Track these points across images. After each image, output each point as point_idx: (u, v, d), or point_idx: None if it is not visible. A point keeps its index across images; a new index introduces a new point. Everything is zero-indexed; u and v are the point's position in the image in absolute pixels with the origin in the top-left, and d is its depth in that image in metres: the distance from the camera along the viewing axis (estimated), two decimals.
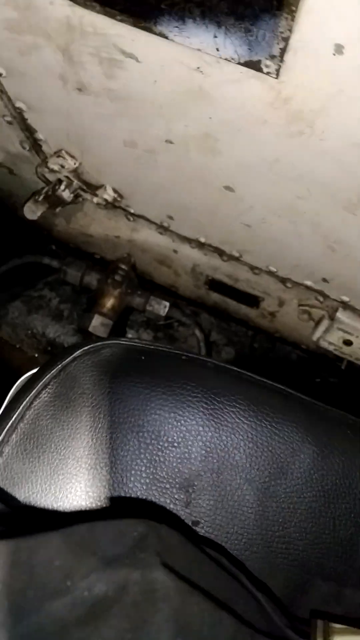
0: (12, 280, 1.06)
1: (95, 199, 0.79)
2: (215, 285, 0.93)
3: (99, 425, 0.49)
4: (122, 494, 0.48)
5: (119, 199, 0.78)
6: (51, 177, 0.79)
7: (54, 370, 0.53)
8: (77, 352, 0.54)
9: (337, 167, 0.54)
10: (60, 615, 0.31)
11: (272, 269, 0.79)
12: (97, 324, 0.92)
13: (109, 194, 0.77)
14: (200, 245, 0.82)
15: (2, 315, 1.07)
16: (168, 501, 0.48)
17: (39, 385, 0.53)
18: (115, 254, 0.97)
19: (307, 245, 0.69)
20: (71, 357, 0.54)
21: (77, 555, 0.37)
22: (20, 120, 0.70)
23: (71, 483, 0.48)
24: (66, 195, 0.79)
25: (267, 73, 0.46)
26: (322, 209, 0.61)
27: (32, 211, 0.81)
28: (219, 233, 0.76)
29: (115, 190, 0.77)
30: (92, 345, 0.54)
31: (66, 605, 0.31)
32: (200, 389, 0.51)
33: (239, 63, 0.46)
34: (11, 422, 0.52)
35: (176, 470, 0.49)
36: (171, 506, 0.48)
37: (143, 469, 0.49)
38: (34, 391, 0.53)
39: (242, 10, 0.42)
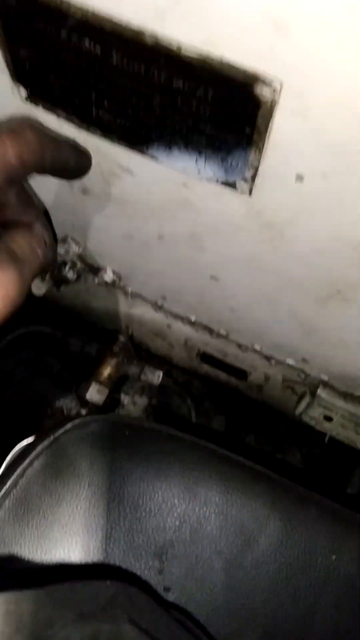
0: (18, 346, 1.13)
1: (96, 279, 0.87)
2: (206, 358, 0.99)
3: (83, 495, 0.55)
4: (102, 559, 0.53)
5: (117, 280, 0.85)
6: (58, 259, 0.87)
7: (46, 441, 0.59)
8: (68, 425, 0.60)
9: (306, 268, 0.61)
10: None
11: (257, 347, 0.85)
12: (93, 391, 0.98)
13: (108, 276, 0.85)
14: (191, 323, 0.88)
15: (9, 379, 1.14)
16: (143, 567, 0.53)
17: (32, 455, 0.59)
18: (115, 325, 1.04)
19: (286, 329, 0.76)
20: (62, 430, 0.60)
21: (57, 609, 0.42)
22: None
23: (55, 547, 0.53)
24: (70, 275, 0.86)
25: (241, 192, 0.54)
26: (296, 301, 0.68)
27: (39, 288, 0.89)
28: (207, 314, 0.83)
29: (114, 272, 0.84)
30: (81, 420, 0.60)
31: None
32: (177, 464, 0.56)
33: (217, 182, 0.55)
34: (5, 488, 0.57)
35: (152, 538, 0.54)
36: (145, 572, 0.53)
37: (122, 536, 0.54)
38: (27, 460, 0.58)
39: (218, 144, 0.50)
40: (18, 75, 0.55)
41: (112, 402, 1.10)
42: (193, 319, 0.87)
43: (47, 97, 0.56)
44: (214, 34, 0.41)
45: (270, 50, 0.40)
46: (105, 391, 0.98)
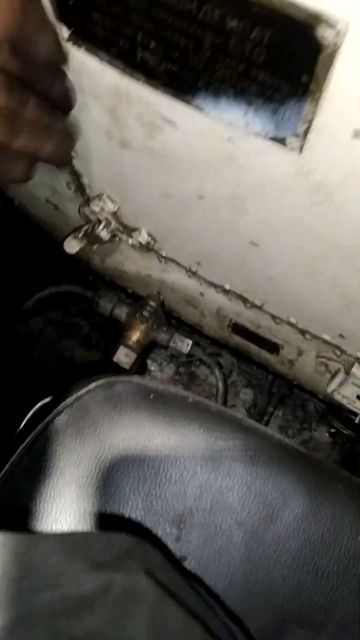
0: (48, 306, 1.12)
1: (130, 240, 0.84)
2: (238, 328, 0.96)
3: (103, 456, 0.53)
4: (118, 523, 0.52)
5: (152, 242, 0.83)
6: (92, 217, 0.84)
7: (68, 399, 0.58)
8: (92, 385, 0.58)
9: (354, 236, 0.57)
10: (50, 605, 0.35)
11: (292, 320, 0.82)
12: (121, 355, 0.96)
13: (143, 237, 0.82)
14: (225, 292, 0.86)
15: (36, 338, 1.13)
16: (160, 534, 0.52)
17: (53, 412, 0.57)
18: (146, 290, 1.02)
19: (325, 302, 0.72)
20: (85, 389, 0.58)
21: (70, 556, 0.40)
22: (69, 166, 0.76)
23: (71, 507, 0.52)
24: (104, 234, 0.84)
25: (291, 149, 0.50)
26: (340, 272, 0.64)
27: (72, 246, 0.87)
28: (243, 282, 0.80)
29: (149, 234, 0.82)
30: (105, 380, 0.58)
31: (55, 598, 0.35)
32: (202, 431, 0.54)
33: (266, 138, 0.51)
34: (24, 445, 0.56)
35: (171, 505, 0.53)
36: (162, 539, 0.51)
37: (140, 501, 0.53)
38: (48, 418, 0.57)
39: (270, 94, 0.47)
40: (61, 12, 0.52)
41: (139, 368, 1.08)
42: (227, 287, 0.84)
43: (90, 38, 0.53)
44: None
45: None
46: (133, 355, 0.97)
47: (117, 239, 0.87)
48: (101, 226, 0.84)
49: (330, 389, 0.88)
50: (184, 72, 0.50)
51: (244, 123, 0.51)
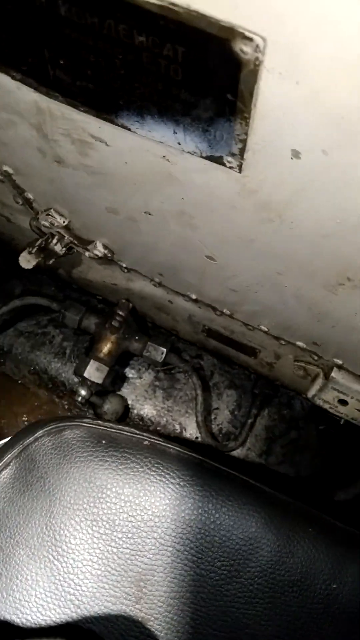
0: (17, 317, 1.07)
1: (87, 253, 0.79)
2: (212, 333, 0.92)
3: (53, 512, 0.49)
4: (72, 586, 0.48)
5: (109, 255, 0.77)
6: (45, 230, 0.79)
7: (15, 450, 0.54)
8: (39, 432, 0.54)
9: (310, 253, 0.52)
10: None
11: (264, 327, 0.77)
12: (92, 369, 0.92)
13: (99, 250, 0.77)
14: (193, 300, 0.81)
15: (7, 352, 1.09)
16: (119, 595, 0.48)
17: (0, 464, 0.53)
18: (115, 297, 0.97)
19: (294, 313, 0.67)
20: (33, 437, 0.54)
21: None
22: (10, 181, 0.70)
23: (21, 572, 0.48)
24: (58, 248, 0.79)
25: (230, 167, 0.45)
26: (302, 285, 0.59)
27: (27, 261, 0.82)
28: (208, 293, 0.75)
29: (105, 247, 0.76)
30: (54, 426, 0.54)
31: None
32: (159, 479, 0.50)
33: (201, 157, 0.45)
34: None
35: (129, 562, 0.49)
36: (122, 601, 0.47)
37: (95, 559, 0.49)
38: None
39: (196, 113, 0.41)
40: None
41: (116, 376, 1.04)
42: (194, 296, 0.79)
43: None
44: None
45: None
46: (105, 369, 0.92)
47: (74, 251, 0.82)
48: (54, 240, 0.79)
49: (310, 394, 0.83)
50: (101, 90, 0.44)
51: (175, 141, 0.45)
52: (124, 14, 0.35)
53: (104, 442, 0.53)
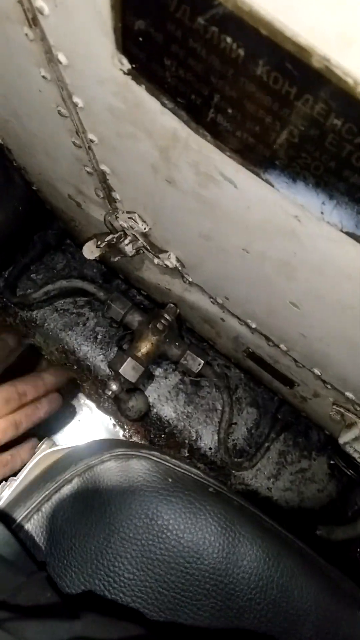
0: (57, 294, 1.06)
1: (156, 260, 0.77)
2: (254, 357, 0.91)
3: (111, 542, 0.49)
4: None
5: (180, 267, 0.76)
6: (117, 227, 0.77)
7: (79, 468, 0.53)
8: (106, 455, 0.54)
9: None
10: None
11: (317, 372, 0.77)
12: (128, 367, 0.91)
13: (171, 262, 0.75)
14: (250, 328, 0.80)
15: (39, 325, 1.07)
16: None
17: (62, 480, 0.53)
18: (162, 298, 0.96)
19: (357, 370, 0.67)
20: (99, 459, 0.53)
21: None
22: (101, 177, 0.68)
23: (70, 590, 0.48)
24: (129, 249, 0.77)
25: None
26: None
27: (91, 252, 0.80)
28: (272, 328, 0.75)
29: (178, 260, 0.75)
30: (121, 452, 0.53)
31: None
32: (220, 529, 0.50)
33: (341, 231, 0.44)
34: (27, 510, 0.52)
35: (174, 610, 0.49)
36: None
37: (145, 598, 0.49)
38: (55, 484, 0.53)
39: (359, 195, 0.40)
40: (125, 44, 0.44)
41: (147, 375, 1.03)
42: (254, 325, 0.78)
43: (155, 80, 0.44)
44: None
45: None
46: (141, 369, 0.92)
47: (144, 254, 0.80)
48: (127, 240, 0.77)
49: (342, 440, 0.84)
50: (261, 146, 0.42)
51: (319, 210, 0.44)
52: (332, 96, 0.34)
53: (170, 480, 0.52)
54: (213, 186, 0.52)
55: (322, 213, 0.44)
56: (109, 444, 0.54)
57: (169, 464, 0.53)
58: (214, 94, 0.41)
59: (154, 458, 0.53)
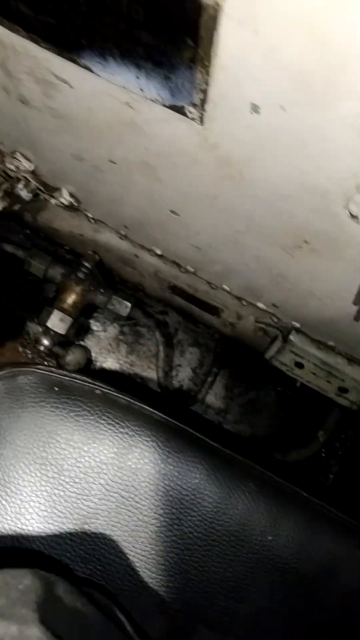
0: None
1: (53, 200, 0.78)
2: (177, 290, 0.92)
3: (3, 454, 0.50)
4: (19, 526, 0.49)
5: (76, 203, 0.76)
6: (12, 174, 0.77)
7: None
8: None
9: (269, 213, 0.52)
10: None
11: (226, 287, 0.78)
12: (55, 320, 0.92)
13: (65, 198, 0.76)
14: (158, 256, 0.80)
15: None
16: (64, 535, 0.49)
17: None
18: (83, 248, 0.96)
19: (254, 273, 0.68)
20: None
21: None
22: None
23: None
24: (24, 194, 0.77)
25: (192, 119, 0.44)
26: (261, 246, 0.59)
27: None
28: (172, 249, 0.75)
29: (72, 195, 0.75)
30: (7, 371, 0.54)
31: None
32: (109, 427, 0.51)
33: (164, 105, 0.45)
34: None
35: (74, 506, 0.50)
36: (67, 541, 0.49)
37: (42, 501, 0.50)
38: None
39: (158, 58, 0.40)
40: None
41: (80, 327, 1.04)
42: (159, 252, 0.79)
43: None
44: None
45: None
46: (69, 320, 0.92)
47: (41, 197, 0.80)
48: (20, 185, 0.77)
49: (268, 355, 0.85)
50: (64, 27, 0.42)
51: (137, 87, 0.44)
52: None
53: (56, 389, 0.53)
54: (55, 92, 0.52)
55: (141, 90, 0.44)
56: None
57: (55, 374, 0.54)
58: None
59: (39, 371, 0.54)
